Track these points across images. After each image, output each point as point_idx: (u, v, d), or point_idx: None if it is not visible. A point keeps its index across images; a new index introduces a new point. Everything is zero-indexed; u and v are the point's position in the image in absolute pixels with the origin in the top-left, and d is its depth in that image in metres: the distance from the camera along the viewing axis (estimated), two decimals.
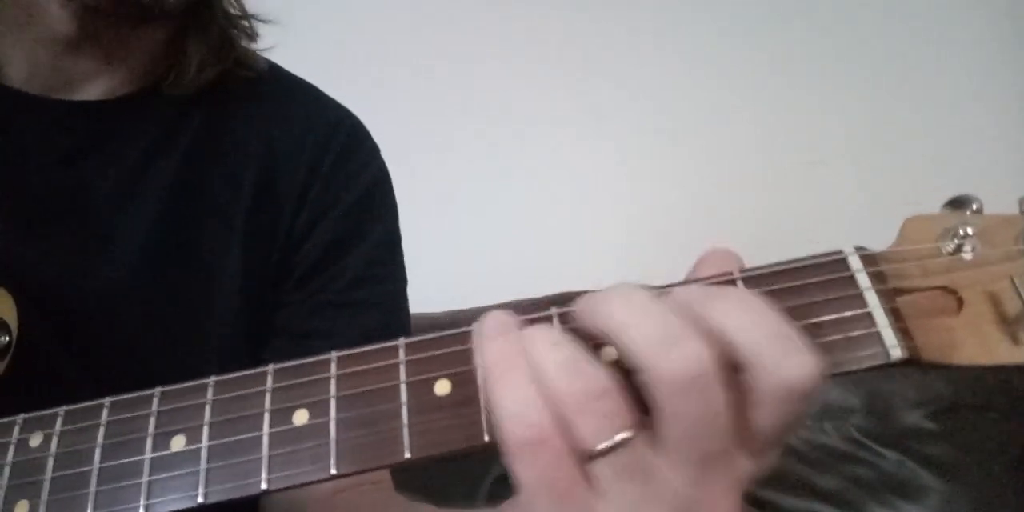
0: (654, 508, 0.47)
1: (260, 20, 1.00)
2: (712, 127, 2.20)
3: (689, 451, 0.46)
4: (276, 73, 1.03)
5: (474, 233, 2.17)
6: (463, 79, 2.22)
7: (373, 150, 1.05)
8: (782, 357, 0.45)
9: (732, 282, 0.51)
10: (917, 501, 1.68)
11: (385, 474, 0.97)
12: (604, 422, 0.45)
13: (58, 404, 0.60)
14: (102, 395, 0.59)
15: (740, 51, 2.23)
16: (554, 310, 0.52)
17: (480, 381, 0.50)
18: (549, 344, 0.48)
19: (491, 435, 0.50)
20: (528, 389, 0.47)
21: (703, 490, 0.47)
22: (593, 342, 0.49)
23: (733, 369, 0.46)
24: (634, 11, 2.25)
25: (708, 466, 0.46)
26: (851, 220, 1.85)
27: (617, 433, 0.45)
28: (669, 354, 0.44)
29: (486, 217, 2.20)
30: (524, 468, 0.47)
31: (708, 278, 0.51)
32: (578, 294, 0.50)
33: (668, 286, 0.52)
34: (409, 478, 0.96)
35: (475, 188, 2.21)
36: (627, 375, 0.47)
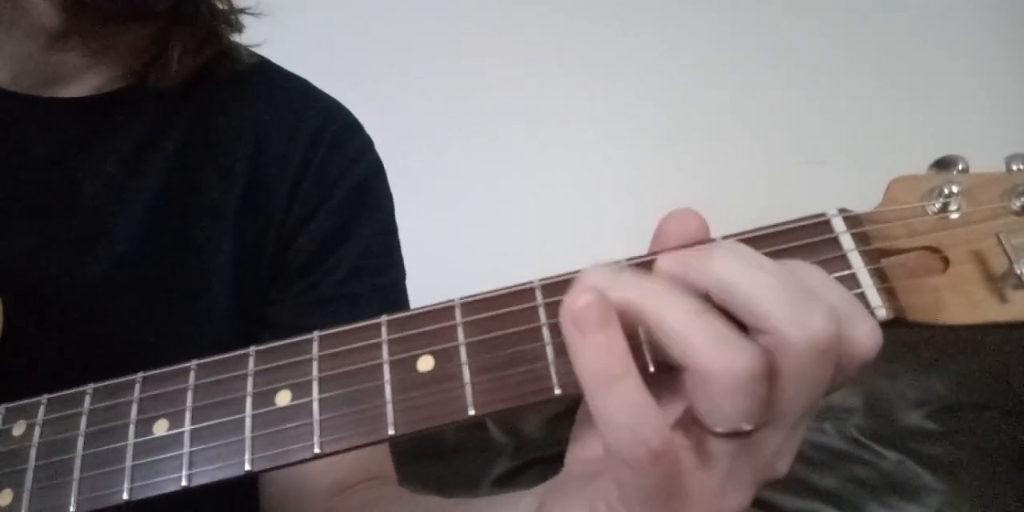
0: (745, 473, 0.46)
1: (250, 14, 0.99)
2: (712, 126, 2.21)
3: (794, 414, 0.45)
4: (267, 67, 1.03)
5: (473, 232, 2.18)
6: (460, 76, 2.23)
7: (366, 143, 1.04)
8: (862, 324, 0.45)
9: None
10: (917, 501, 1.68)
11: (389, 470, 0.96)
12: (750, 406, 0.43)
13: None
14: None
15: (740, 50, 2.24)
16: (624, 262, 0.52)
17: (581, 382, 0.46)
18: (697, 310, 0.44)
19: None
20: (643, 401, 0.43)
21: (785, 446, 0.46)
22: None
23: None
24: (634, 10, 2.25)
25: (797, 426, 0.46)
26: None
27: (752, 421, 0.43)
28: (809, 316, 0.42)
29: (484, 216, 2.21)
30: (632, 479, 0.44)
31: (691, 244, 0.50)
32: None
33: (643, 257, 0.52)
34: (409, 478, 0.96)
35: (473, 186, 2.21)
36: None
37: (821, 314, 0.43)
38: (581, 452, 0.52)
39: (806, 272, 0.46)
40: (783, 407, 0.45)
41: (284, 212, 0.95)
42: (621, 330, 0.44)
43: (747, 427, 0.43)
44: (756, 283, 0.44)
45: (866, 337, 0.45)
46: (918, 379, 1.78)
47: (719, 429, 0.44)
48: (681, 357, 0.43)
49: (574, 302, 0.45)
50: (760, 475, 0.47)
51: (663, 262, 0.48)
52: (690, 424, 0.46)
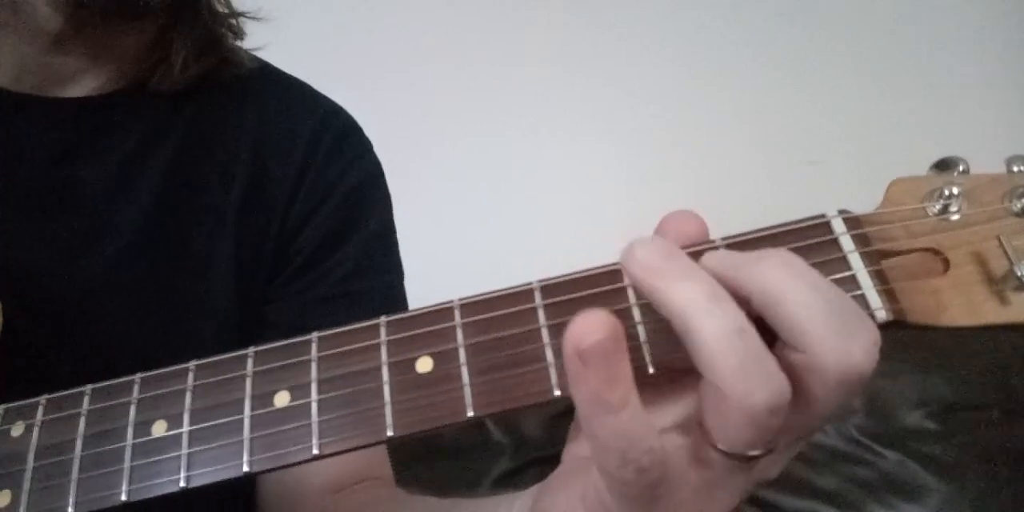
0: (743, 485, 0.46)
1: (250, 18, 1.00)
2: (712, 126, 2.21)
3: (807, 431, 0.45)
4: (267, 70, 1.03)
5: (472, 232, 2.18)
6: (460, 77, 2.23)
7: (365, 144, 1.05)
8: (848, 340, 0.42)
9: (715, 249, 0.50)
10: (917, 501, 1.68)
11: (386, 470, 0.97)
12: (758, 437, 0.42)
13: None
14: None
15: (739, 50, 2.24)
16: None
17: (576, 404, 0.44)
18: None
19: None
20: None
21: (776, 465, 0.46)
22: None
23: None
24: (634, 11, 2.25)
25: (793, 445, 0.46)
26: None
27: (759, 449, 0.42)
28: (851, 349, 0.41)
29: (484, 216, 2.21)
30: (625, 487, 0.43)
31: (690, 246, 0.50)
32: None
33: None
34: (409, 478, 0.96)
35: (473, 186, 2.21)
36: None
37: (862, 346, 0.41)
38: (576, 449, 0.52)
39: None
40: (797, 429, 0.44)
41: (284, 213, 0.96)
42: (628, 362, 0.42)
43: (752, 454, 0.43)
44: (803, 299, 0.42)
45: (863, 350, 0.43)
46: (918, 379, 1.78)
47: (723, 447, 0.43)
48: (706, 371, 0.42)
49: (582, 333, 0.42)
50: (753, 478, 0.46)
51: (710, 259, 0.46)
52: (695, 427, 0.45)
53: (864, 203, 0.54)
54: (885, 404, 1.77)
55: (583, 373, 0.42)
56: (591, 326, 0.41)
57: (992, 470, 1.68)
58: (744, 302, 0.43)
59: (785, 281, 0.42)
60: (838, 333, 0.41)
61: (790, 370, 0.42)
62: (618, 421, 0.42)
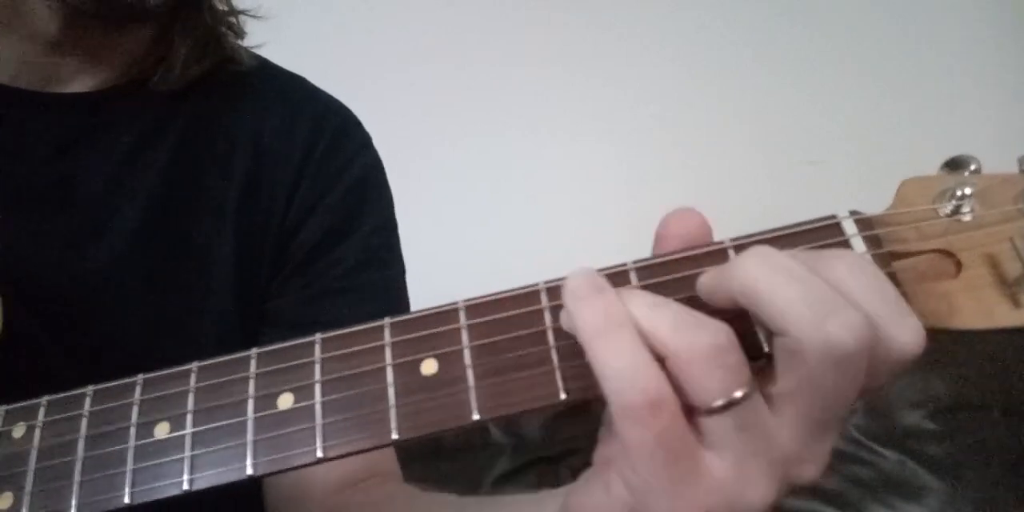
0: (760, 462, 0.45)
1: (251, 16, 1.00)
2: (712, 126, 2.20)
3: (813, 417, 0.45)
4: (267, 67, 1.03)
5: (471, 232, 2.18)
6: (461, 77, 2.23)
7: (365, 139, 1.04)
8: (901, 323, 0.44)
9: (723, 250, 0.50)
10: (917, 501, 1.68)
11: (394, 466, 0.96)
12: (728, 377, 0.43)
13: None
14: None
15: (739, 50, 2.23)
16: (631, 265, 0.51)
17: (580, 340, 0.46)
18: (652, 304, 0.46)
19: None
20: (640, 351, 0.44)
21: (809, 449, 0.46)
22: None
23: None
24: (635, 11, 2.25)
25: (823, 429, 0.46)
26: None
27: (739, 388, 0.44)
28: (826, 324, 0.42)
29: (482, 217, 2.20)
30: (636, 432, 0.44)
31: (700, 247, 0.50)
32: None
33: (649, 259, 0.51)
34: (409, 477, 0.95)
35: (471, 188, 2.21)
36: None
37: (840, 324, 0.42)
38: (604, 450, 0.52)
39: (844, 272, 0.45)
40: (799, 403, 0.45)
41: (284, 209, 0.95)
42: (617, 297, 0.46)
43: (737, 395, 0.44)
44: (776, 285, 0.44)
45: (905, 337, 0.44)
46: (918, 379, 1.78)
47: (714, 404, 0.44)
48: (660, 349, 0.45)
49: (570, 280, 0.47)
50: (779, 470, 0.46)
51: (702, 277, 0.49)
52: (689, 411, 0.46)
53: (864, 203, 0.53)
54: (885, 404, 1.78)
55: (578, 305, 0.46)
56: (573, 275, 0.48)
57: (992, 470, 1.69)
58: (732, 303, 0.46)
59: (758, 272, 0.45)
60: (814, 313, 0.43)
61: (780, 356, 0.45)
62: (621, 339, 0.45)
